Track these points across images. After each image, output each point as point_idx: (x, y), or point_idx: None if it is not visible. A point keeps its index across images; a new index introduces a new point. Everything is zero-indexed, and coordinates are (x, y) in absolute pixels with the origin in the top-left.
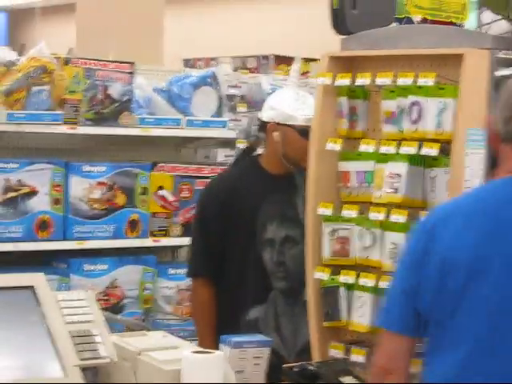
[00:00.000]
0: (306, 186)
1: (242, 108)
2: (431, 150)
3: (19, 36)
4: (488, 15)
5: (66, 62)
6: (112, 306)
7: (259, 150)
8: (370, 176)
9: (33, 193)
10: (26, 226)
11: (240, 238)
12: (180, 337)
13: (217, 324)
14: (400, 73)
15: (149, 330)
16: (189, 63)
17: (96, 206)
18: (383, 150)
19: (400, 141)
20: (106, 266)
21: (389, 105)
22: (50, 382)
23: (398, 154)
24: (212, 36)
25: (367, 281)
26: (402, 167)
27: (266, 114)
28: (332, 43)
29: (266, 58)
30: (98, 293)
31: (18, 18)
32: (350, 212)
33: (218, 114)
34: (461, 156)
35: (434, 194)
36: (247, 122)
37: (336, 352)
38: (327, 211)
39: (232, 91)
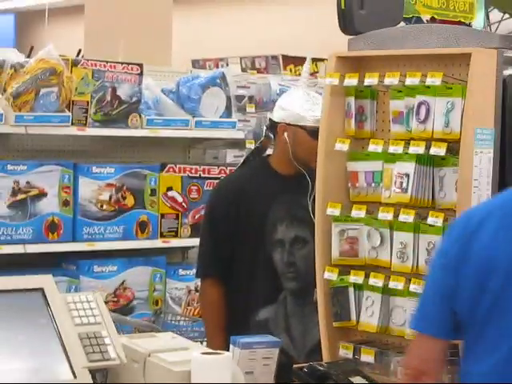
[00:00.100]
0: (315, 186)
1: (250, 108)
2: (439, 150)
3: (27, 38)
4: (496, 14)
5: (75, 63)
6: (122, 307)
7: (269, 151)
8: (379, 176)
9: (42, 194)
10: (35, 227)
11: (249, 238)
12: (190, 338)
13: (226, 324)
14: (408, 72)
15: (158, 331)
16: (197, 64)
17: (105, 208)
18: (391, 149)
19: (408, 141)
20: (115, 268)
21: (397, 105)
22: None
23: (406, 153)
24: (220, 36)
25: (376, 281)
26: (410, 167)
27: (276, 115)
28: (340, 43)
29: (274, 58)
30: (108, 294)
31: (27, 20)
32: (358, 212)
33: (227, 114)
34: (469, 155)
35: (442, 194)
36: (256, 122)
37: (345, 352)
38: (336, 211)
39: (241, 92)
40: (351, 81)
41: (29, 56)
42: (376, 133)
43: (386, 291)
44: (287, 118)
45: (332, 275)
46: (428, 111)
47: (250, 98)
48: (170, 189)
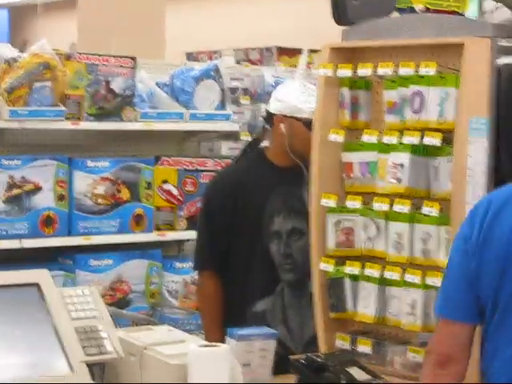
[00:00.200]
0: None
1: (244, 100)
2: (434, 140)
3: (21, 32)
4: (489, 3)
5: (68, 57)
6: (118, 300)
7: (265, 143)
8: (373, 166)
9: (37, 189)
10: (30, 222)
11: (246, 230)
12: (187, 330)
13: (224, 317)
14: (401, 63)
15: (155, 324)
16: (191, 56)
17: (100, 202)
18: (386, 140)
19: (402, 131)
20: (111, 261)
21: (390, 95)
22: (56, 378)
23: (400, 144)
24: (214, 29)
25: (372, 271)
26: (404, 157)
27: (272, 106)
28: (333, 34)
29: (268, 50)
30: (104, 288)
31: (20, 15)
32: (353, 203)
33: (221, 106)
34: (463, 145)
35: (437, 184)
36: (250, 114)
37: (342, 343)
38: (331, 202)
39: (235, 84)
40: (345, 71)
41: (22, 51)
42: (370, 123)
43: (382, 282)
44: (284, 109)
45: (328, 266)
46: (422, 101)
47: (244, 90)
48: (165, 182)
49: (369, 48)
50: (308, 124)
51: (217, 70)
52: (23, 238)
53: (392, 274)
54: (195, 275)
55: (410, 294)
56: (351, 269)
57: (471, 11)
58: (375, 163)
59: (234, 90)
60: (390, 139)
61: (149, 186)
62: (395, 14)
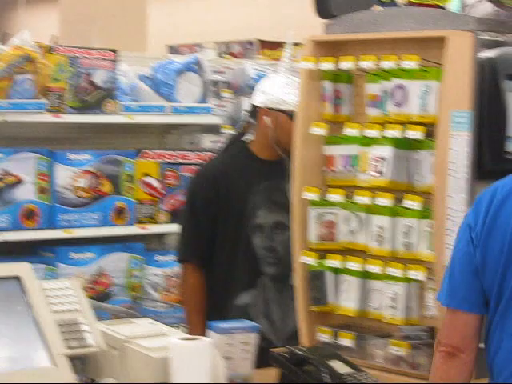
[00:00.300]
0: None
1: (226, 94)
2: (416, 133)
3: (2, 25)
4: None
5: (50, 50)
6: (99, 293)
7: (249, 136)
8: (355, 160)
9: (18, 182)
10: (11, 215)
11: (230, 223)
12: (168, 323)
13: (207, 309)
14: (384, 56)
15: (136, 317)
16: (173, 49)
17: (82, 194)
18: (368, 133)
19: (384, 124)
20: (92, 254)
21: (373, 88)
22: (37, 371)
23: (382, 137)
24: (196, 22)
25: (354, 264)
26: (386, 150)
27: (257, 99)
28: (315, 27)
29: (250, 43)
30: (86, 281)
31: (1, 7)
32: (335, 196)
33: (203, 99)
34: (445, 138)
35: (419, 177)
36: (232, 107)
37: (324, 336)
38: (313, 195)
39: (216, 77)
40: (327, 65)
41: (3, 43)
42: (352, 116)
43: (364, 275)
44: (268, 102)
45: (309, 259)
46: (404, 94)
47: (226, 84)
48: (146, 175)
49: (351, 41)
50: (292, 116)
51: (198, 63)
52: (4, 231)
53: (374, 267)
54: (177, 268)
55: (392, 287)
56: (333, 262)
57: (453, 5)
58: (357, 156)
59: (215, 83)
60: (372, 132)
61: (130, 179)
62: (377, 8)
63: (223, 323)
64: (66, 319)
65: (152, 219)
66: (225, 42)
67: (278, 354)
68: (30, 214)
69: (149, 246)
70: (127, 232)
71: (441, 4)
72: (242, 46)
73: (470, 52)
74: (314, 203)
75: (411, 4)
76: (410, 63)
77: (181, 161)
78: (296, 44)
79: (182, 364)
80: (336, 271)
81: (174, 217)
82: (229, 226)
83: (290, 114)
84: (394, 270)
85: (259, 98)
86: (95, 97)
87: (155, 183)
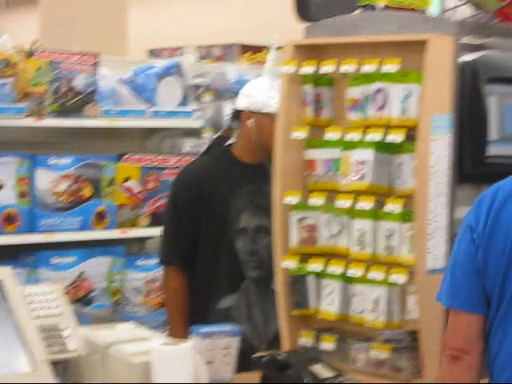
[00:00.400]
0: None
1: (207, 97)
2: (397, 137)
3: None
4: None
5: (30, 54)
6: (80, 298)
7: (231, 140)
8: (337, 163)
9: None
10: None
11: (212, 225)
12: (149, 328)
13: (189, 312)
14: (364, 60)
15: (118, 322)
16: (153, 53)
17: (62, 199)
18: (349, 137)
19: (365, 128)
20: (73, 259)
21: (353, 92)
22: (18, 376)
23: (363, 141)
24: (176, 26)
25: (335, 268)
26: (367, 154)
27: (240, 102)
28: (296, 31)
29: (230, 46)
30: (67, 285)
31: None
32: (316, 200)
33: (183, 103)
34: (426, 142)
35: (400, 181)
36: (213, 111)
37: (305, 340)
38: (294, 199)
39: (197, 81)
40: (308, 69)
41: None
42: (333, 120)
43: (345, 279)
44: (251, 105)
45: (291, 263)
46: (385, 98)
47: (207, 87)
48: (127, 179)
49: (332, 45)
50: (275, 119)
51: (179, 67)
52: None
53: (355, 271)
54: (158, 272)
55: (374, 290)
56: (314, 266)
57: (433, 8)
58: (338, 160)
59: (196, 87)
60: (353, 136)
61: (111, 183)
62: (358, 11)
63: (205, 327)
64: (47, 324)
65: (133, 223)
66: (205, 45)
67: (259, 359)
68: (10, 219)
69: (130, 250)
70: (108, 236)
71: (421, 8)
72: (222, 50)
73: (451, 56)
74: (295, 207)
75: (390, 8)
76: (391, 67)
77: (162, 165)
78: (277, 48)
79: (163, 369)
80: (317, 275)
81: (155, 221)
82: (211, 228)
83: (272, 117)
84: (376, 274)
85: (243, 102)
86: (76, 101)
87: (136, 187)
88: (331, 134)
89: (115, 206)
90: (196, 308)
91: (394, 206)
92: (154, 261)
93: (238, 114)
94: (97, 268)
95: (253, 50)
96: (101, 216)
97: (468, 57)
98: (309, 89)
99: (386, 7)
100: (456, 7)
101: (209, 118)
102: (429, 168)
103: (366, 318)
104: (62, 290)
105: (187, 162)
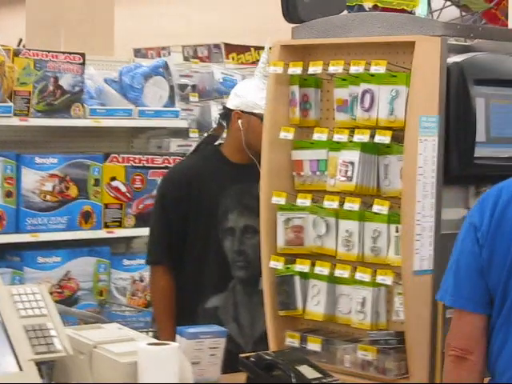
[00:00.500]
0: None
1: (193, 97)
2: (384, 138)
3: None
4: (438, 2)
5: (17, 53)
6: (66, 298)
7: (221, 139)
8: (324, 164)
9: None
10: None
11: (200, 223)
12: (135, 328)
13: (176, 312)
14: (352, 61)
15: (104, 321)
16: (140, 53)
17: (48, 198)
18: (336, 138)
19: (353, 129)
20: (59, 258)
21: (341, 93)
22: (5, 376)
23: (350, 142)
24: (162, 25)
25: (322, 269)
26: (355, 155)
27: (231, 102)
28: (284, 31)
29: (216, 46)
30: (52, 285)
31: None
32: (303, 201)
33: (170, 103)
34: (414, 143)
35: (387, 182)
36: (199, 111)
37: (292, 341)
38: (281, 200)
39: (183, 81)
40: (295, 69)
41: None
42: (321, 121)
43: (332, 279)
44: (242, 105)
45: (278, 264)
46: (372, 99)
47: (193, 87)
48: (113, 179)
49: (319, 46)
50: None
51: (166, 66)
52: None
53: (342, 272)
54: (144, 272)
55: (360, 291)
56: (301, 267)
57: (420, 9)
58: (325, 161)
59: (182, 87)
60: (341, 137)
61: (97, 182)
62: (345, 12)
63: (192, 328)
64: (33, 324)
65: (119, 223)
66: (191, 45)
67: (247, 359)
68: None
69: (116, 250)
70: (94, 236)
71: (408, 9)
72: (208, 50)
73: (439, 57)
74: (282, 208)
75: (378, 8)
76: (379, 68)
77: (148, 165)
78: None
79: (149, 369)
80: (304, 276)
81: (141, 221)
82: (199, 226)
83: (262, 118)
84: (363, 275)
85: (233, 101)
86: (62, 100)
87: (122, 187)
88: (318, 135)
89: (101, 206)
90: (184, 307)
91: (381, 207)
92: (140, 261)
93: (228, 114)
94: (83, 268)
95: (238, 50)
96: (87, 216)
97: (456, 58)
98: (296, 89)
99: (375, 7)
100: (443, 8)
101: (195, 118)
102: (416, 169)
103: (352, 318)
104: (47, 289)
105: (174, 161)
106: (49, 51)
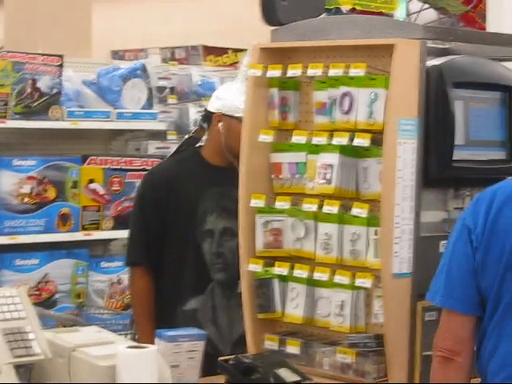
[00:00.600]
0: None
1: (172, 100)
2: (363, 141)
3: None
4: (416, 4)
5: None
6: (44, 300)
7: (201, 142)
8: (303, 167)
9: None
10: None
11: (179, 228)
12: (113, 331)
13: (155, 314)
14: (331, 64)
15: (82, 324)
16: (117, 55)
17: (26, 201)
18: (315, 140)
19: (332, 132)
20: (37, 261)
21: (320, 96)
22: None
23: (329, 144)
24: (140, 27)
25: (301, 272)
26: (334, 158)
27: (212, 105)
28: (262, 34)
29: (194, 48)
30: (30, 288)
31: None
32: (282, 203)
33: (148, 106)
34: (393, 146)
35: (366, 185)
36: (178, 113)
37: (271, 344)
38: (260, 203)
39: (161, 83)
40: (274, 72)
41: None
42: (300, 124)
43: (311, 282)
44: (223, 107)
45: (256, 267)
46: (351, 102)
47: (171, 89)
48: (91, 181)
49: (299, 48)
50: None
51: (144, 69)
52: None
53: (321, 275)
54: (121, 275)
55: (339, 294)
56: (280, 269)
57: (399, 12)
58: (304, 164)
59: (161, 89)
60: (320, 140)
61: (75, 185)
62: (324, 15)
63: (170, 331)
64: (11, 327)
65: (97, 225)
66: (169, 47)
67: (226, 362)
68: None
69: (94, 252)
70: (72, 238)
71: (387, 12)
72: (186, 52)
73: (418, 60)
74: (261, 210)
75: (356, 11)
76: (358, 71)
77: (126, 167)
78: (242, 50)
79: (128, 372)
80: (283, 279)
81: (119, 223)
82: (178, 227)
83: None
84: (342, 278)
85: (215, 104)
86: (40, 102)
87: (100, 189)
88: (297, 138)
89: (79, 208)
90: (163, 309)
91: (360, 210)
92: (118, 263)
93: (209, 116)
94: (61, 270)
95: (216, 53)
96: (65, 218)
97: (434, 61)
98: (275, 92)
99: (353, 11)
100: (421, 11)
101: (173, 120)
102: (395, 172)
103: (331, 321)
104: (25, 292)
105: (152, 163)
106: (27, 53)
